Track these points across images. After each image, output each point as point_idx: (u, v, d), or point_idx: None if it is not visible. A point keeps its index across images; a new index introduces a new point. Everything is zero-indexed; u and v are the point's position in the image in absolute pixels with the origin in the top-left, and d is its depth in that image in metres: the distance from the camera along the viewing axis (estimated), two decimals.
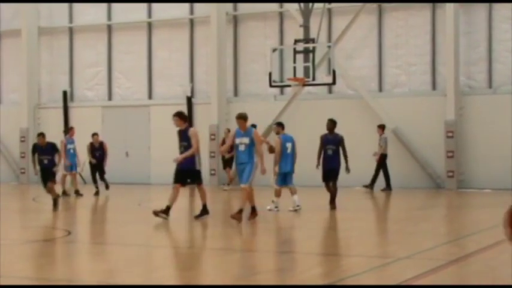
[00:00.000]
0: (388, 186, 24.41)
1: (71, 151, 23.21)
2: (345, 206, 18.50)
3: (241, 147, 15.24)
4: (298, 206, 17.42)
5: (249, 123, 15.77)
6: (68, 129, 24.18)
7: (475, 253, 11.27)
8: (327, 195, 18.04)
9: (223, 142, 22.84)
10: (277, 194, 17.58)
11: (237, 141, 15.29)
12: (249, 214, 15.36)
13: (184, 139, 15.75)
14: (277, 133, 17.96)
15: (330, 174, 17.84)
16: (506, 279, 9.12)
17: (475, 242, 12.74)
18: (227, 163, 25.28)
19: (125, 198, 22.49)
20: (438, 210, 19.38)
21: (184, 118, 15.99)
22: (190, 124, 28.12)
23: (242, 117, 15.36)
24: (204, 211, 15.91)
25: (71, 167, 23.15)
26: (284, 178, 17.56)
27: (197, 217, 15.86)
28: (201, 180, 15.99)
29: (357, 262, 10.63)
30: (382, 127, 24.84)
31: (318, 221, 16.08)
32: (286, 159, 17.46)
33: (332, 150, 17.76)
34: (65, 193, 22.55)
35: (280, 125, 18.19)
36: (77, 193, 22.91)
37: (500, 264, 10.16)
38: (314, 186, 25.22)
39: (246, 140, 15.21)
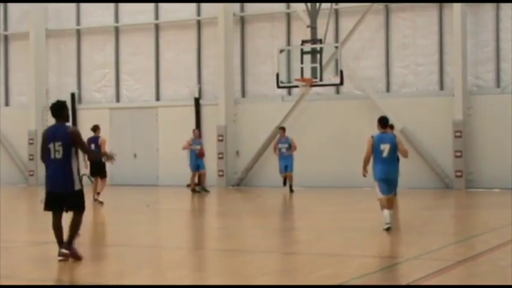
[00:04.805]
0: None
1: (196, 152, 24.66)
2: (354, 207, 18.46)
3: None
4: (387, 224, 13.81)
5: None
6: (193, 130, 25.50)
7: (483, 253, 11.24)
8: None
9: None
10: (382, 205, 13.93)
11: None
12: None
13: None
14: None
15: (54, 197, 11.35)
16: None
17: (483, 242, 12.70)
18: (98, 171, 19.76)
19: (133, 199, 22.50)
20: (446, 211, 19.35)
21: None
22: (198, 126, 28.26)
23: None
24: None
25: (198, 166, 24.62)
26: (385, 185, 13.97)
27: None
28: None
29: (365, 263, 10.62)
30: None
31: (326, 221, 16.05)
32: (381, 163, 13.92)
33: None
34: (194, 190, 24.23)
35: (381, 121, 14.33)
36: (204, 190, 24.61)
37: (509, 264, 10.13)
38: (322, 187, 25.27)
39: None
